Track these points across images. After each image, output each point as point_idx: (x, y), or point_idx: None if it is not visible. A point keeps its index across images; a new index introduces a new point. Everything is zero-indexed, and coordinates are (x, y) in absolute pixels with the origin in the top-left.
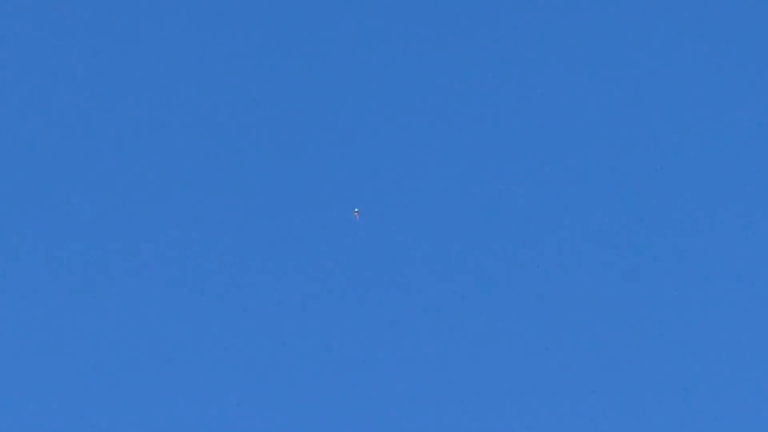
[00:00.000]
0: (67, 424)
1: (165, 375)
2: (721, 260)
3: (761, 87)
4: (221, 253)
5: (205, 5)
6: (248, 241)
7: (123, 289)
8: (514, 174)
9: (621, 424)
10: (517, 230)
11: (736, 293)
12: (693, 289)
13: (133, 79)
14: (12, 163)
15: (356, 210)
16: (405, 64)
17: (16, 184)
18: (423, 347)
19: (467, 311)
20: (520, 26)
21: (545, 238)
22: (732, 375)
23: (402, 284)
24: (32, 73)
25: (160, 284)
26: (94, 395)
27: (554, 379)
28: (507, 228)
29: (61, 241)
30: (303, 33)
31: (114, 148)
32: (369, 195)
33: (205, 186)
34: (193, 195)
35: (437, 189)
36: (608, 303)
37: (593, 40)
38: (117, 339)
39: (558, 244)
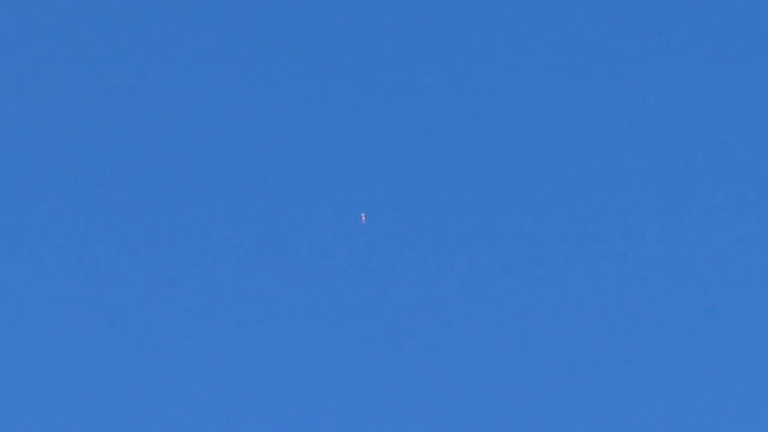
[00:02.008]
0: (67, 424)
1: (164, 377)
2: (721, 260)
3: (761, 87)
4: (223, 256)
5: (205, 5)
6: (253, 244)
7: (123, 290)
8: (519, 175)
9: (621, 424)
10: (522, 232)
11: (736, 294)
12: (694, 290)
13: (133, 79)
14: (12, 163)
15: (364, 215)
16: (407, 67)
17: (17, 184)
18: (428, 350)
19: (471, 314)
20: (520, 27)
21: (552, 243)
22: (732, 375)
23: (408, 288)
24: (32, 73)
25: (163, 286)
26: (93, 395)
27: (556, 384)
28: (512, 229)
29: (61, 241)
30: (306, 34)
31: (114, 148)
32: (377, 199)
33: (208, 189)
34: (195, 197)
35: (445, 193)
36: (610, 305)
37: (593, 40)
38: (117, 340)
39: (565, 248)
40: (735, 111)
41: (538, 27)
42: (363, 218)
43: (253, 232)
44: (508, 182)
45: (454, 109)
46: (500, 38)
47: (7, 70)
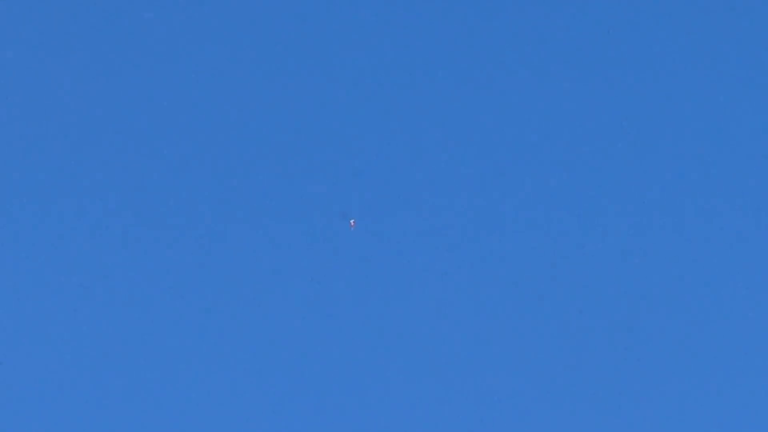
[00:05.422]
0: (67, 424)
1: (157, 384)
2: (720, 260)
3: (761, 87)
4: (217, 258)
5: (205, 6)
6: (244, 248)
7: (119, 293)
8: (513, 180)
9: (621, 424)
10: (515, 236)
11: (735, 293)
12: (692, 289)
13: (131, 80)
14: (12, 163)
15: (352, 220)
16: (403, 71)
17: (17, 184)
18: (419, 355)
19: (465, 318)
20: (520, 27)
21: (544, 249)
22: (732, 375)
23: (399, 293)
24: (32, 73)
25: (154, 290)
26: (93, 395)
27: (554, 388)
28: (505, 234)
29: (61, 242)
30: (304, 39)
31: (111, 150)
32: (366, 204)
33: (203, 191)
34: (190, 200)
35: (436, 198)
36: (608, 304)
37: (593, 40)
38: (116, 341)
39: (557, 256)
40: (735, 111)
41: (538, 27)
42: (352, 224)
43: (245, 237)
44: (508, 183)
45: (451, 112)
46: (500, 39)
47: (7, 70)
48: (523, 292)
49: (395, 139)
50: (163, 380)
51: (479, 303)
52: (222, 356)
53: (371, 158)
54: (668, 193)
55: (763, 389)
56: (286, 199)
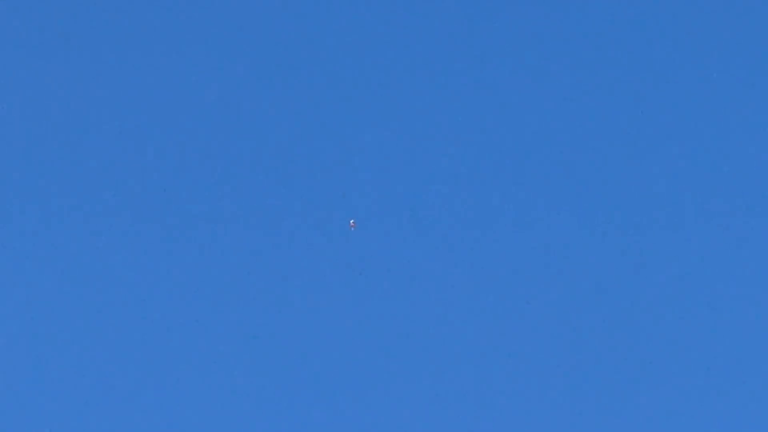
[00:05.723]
0: (67, 424)
1: (155, 386)
2: (719, 260)
3: (761, 87)
4: (216, 259)
5: (205, 6)
6: (245, 250)
7: (118, 295)
8: (512, 180)
9: (621, 424)
10: (514, 237)
11: (735, 293)
12: (692, 289)
13: (131, 81)
14: (12, 163)
15: (352, 221)
16: (402, 73)
17: (16, 184)
18: (419, 354)
19: (462, 320)
20: (519, 27)
21: (544, 252)
22: (731, 375)
23: (397, 294)
24: (33, 73)
25: (154, 292)
26: (93, 395)
27: (552, 389)
28: (504, 235)
29: (62, 241)
30: (303, 40)
31: (111, 151)
32: (366, 205)
33: (203, 193)
34: (190, 201)
35: (434, 199)
36: (607, 305)
37: (593, 40)
38: (115, 341)
39: (557, 257)
40: (735, 111)
41: (539, 28)
42: (351, 224)
43: (245, 238)
44: (508, 184)
45: (451, 114)
46: (500, 39)
47: (7, 70)
48: (523, 292)
49: (395, 139)
50: (162, 379)
51: (479, 303)
52: (221, 355)
53: (371, 158)
54: (668, 193)
55: (763, 389)
56: (286, 200)
